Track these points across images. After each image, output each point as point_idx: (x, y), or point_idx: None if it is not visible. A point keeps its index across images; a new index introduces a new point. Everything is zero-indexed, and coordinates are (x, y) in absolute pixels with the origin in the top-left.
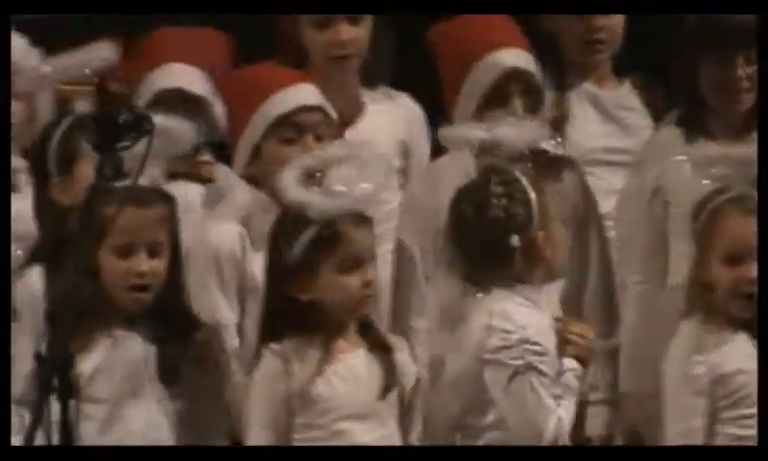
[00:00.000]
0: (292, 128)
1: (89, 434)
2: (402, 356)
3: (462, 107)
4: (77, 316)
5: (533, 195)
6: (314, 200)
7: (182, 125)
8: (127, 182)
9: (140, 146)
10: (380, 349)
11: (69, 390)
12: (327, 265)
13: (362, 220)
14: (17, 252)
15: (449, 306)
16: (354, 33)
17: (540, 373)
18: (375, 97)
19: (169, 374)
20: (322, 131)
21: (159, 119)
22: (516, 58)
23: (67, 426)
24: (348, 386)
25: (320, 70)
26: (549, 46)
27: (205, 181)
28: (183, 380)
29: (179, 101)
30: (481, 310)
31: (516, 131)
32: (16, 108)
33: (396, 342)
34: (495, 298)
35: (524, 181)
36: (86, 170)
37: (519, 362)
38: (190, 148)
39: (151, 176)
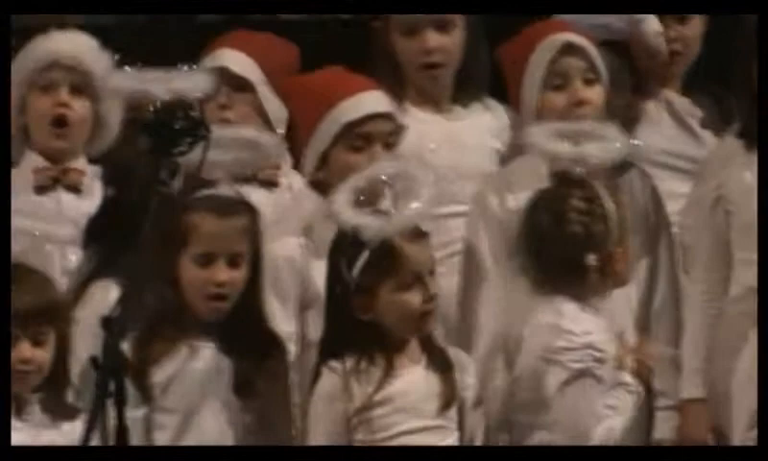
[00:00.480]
0: (360, 136)
1: (162, 444)
2: (463, 370)
3: (526, 92)
4: (154, 324)
5: (612, 211)
6: (366, 222)
7: (271, 138)
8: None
9: (196, 151)
10: (440, 363)
11: (124, 396)
12: (386, 285)
13: (417, 235)
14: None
15: (516, 309)
16: (442, 41)
17: (598, 380)
18: (469, 105)
19: (244, 385)
20: (391, 139)
21: (250, 132)
22: (562, 36)
23: (123, 432)
24: (407, 402)
25: (412, 79)
26: (624, 52)
27: (271, 185)
28: (256, 392)
29: (226, 84)
30: (550, 310)
31: (601, 149)
32: (79, 105)
33: (457, 356)
34: (564, 299)
35: (605, 196)
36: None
37: (579, 366)
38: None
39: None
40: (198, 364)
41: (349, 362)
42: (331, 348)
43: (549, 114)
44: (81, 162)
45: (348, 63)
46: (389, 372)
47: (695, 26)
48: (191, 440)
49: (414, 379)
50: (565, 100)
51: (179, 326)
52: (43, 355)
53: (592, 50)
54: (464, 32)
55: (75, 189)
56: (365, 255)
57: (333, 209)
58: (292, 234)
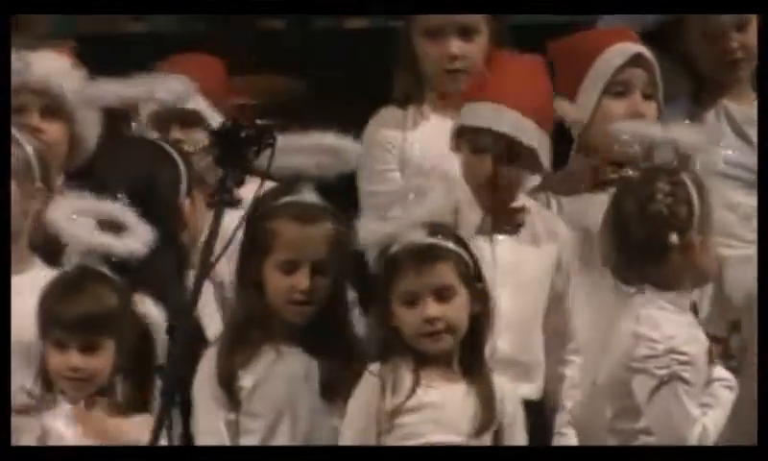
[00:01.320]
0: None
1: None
2: (504, 398)
3: (585, 93)
4: (240, 329)
5: (696, 198)
6: (389, 232)
7: (350, 143)
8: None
9: (262, 160)
10: (482, 386)
11: (189, 404)
12: (393, 295)
13: (427, 255)
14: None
15: (599, 305)
16: (466, 48)
17: (686, 382)
18: None
19: (330, 389)
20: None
21: (329, 138)
22: (635, 47)
23: (188, 439)
24: (440, 415)
25: (433, 82)
26: (686, 62)
27: None
28: (342, 396)
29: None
30: (629, 315)
31: (690, 133)
32: (53, 128)
33: (501, 383)
34: (644, 300)
35: (689, 182)
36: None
37: (665, 372)
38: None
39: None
40: (284, 368)
41: (386, 367)
42: (374, 350)
43: (605, 119)
44: (58, 182)
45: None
46: (419, 382)
47: (753, 32)
48: (279, 444)
49: (451, 395)
50: (625, 108)
51: (264, 331)
52: (96, 363)
53: (656, 66)
54: (487, 38)
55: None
56: (379, 262)
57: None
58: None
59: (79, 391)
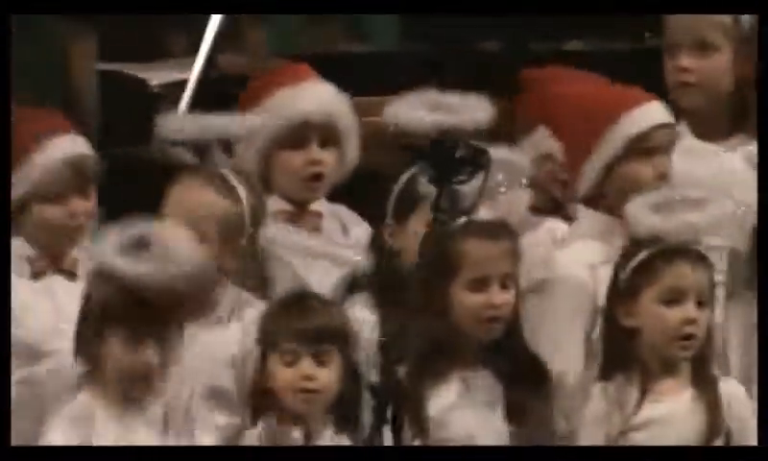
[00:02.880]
0: (645, 147)
1: None
2: (731, 396)
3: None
4: (426, 357)
5: None
6: (668, 227)
7: (520, 155)
8: (463, 217)
9: (477, 180)
10: (709, 393)
11: (401, 422)
12: (649, 291)
13: (693, 256)
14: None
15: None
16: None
17: None
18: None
19: (516, 412)
20: (671, 149)
21: (502, 152)
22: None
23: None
24: (666, 431)
25: None
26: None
27: None
28: (527, 419)
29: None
30: None
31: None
32: (330, 157)
33: (728, 386)
34: None
35: None
36: (420, 223)
37: None
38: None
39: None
40: (472, 394)
41: (614, 384)
42: (605, 365)
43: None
44: (319, 204)
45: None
46: (647, 395)
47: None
48: None
49: (678, 407)
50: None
51: (451, 356)
52: (328, 375)
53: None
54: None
55: (316, 230)
56: (640, 256)
57: (630, 212)
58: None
59: (308, 404)
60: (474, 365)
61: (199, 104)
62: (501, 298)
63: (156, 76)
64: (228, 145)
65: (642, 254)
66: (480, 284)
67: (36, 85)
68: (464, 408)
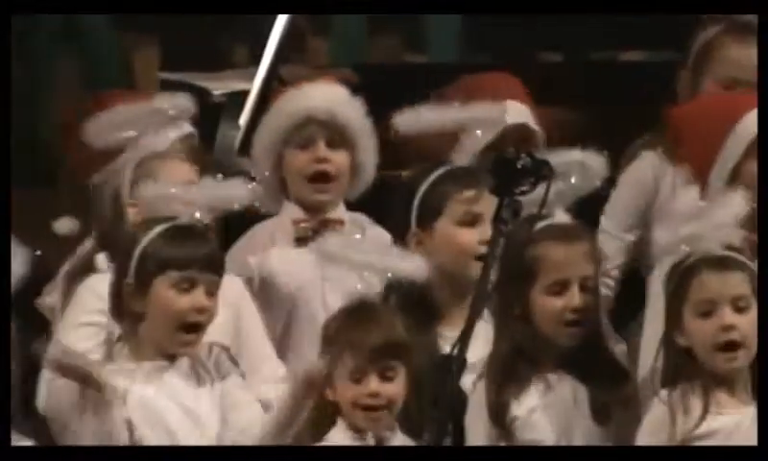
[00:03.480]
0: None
1: None
2: None
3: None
4: (508, 362)
5: None
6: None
7: (597, 159)
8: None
9: (539, 191)
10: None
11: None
12: (686, 307)
13: (719, 262)
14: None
15: None
16: None
17: None
18: None
19: (601, 412)
20: None
21: (577, 155)
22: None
23: None
24: (730, 443)
25: None
26: None
27: None
28: (613, 419)
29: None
30: None
31: None
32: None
33: None
34: None
35: None
36: (447, 226)
37: None
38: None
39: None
40: (555, 396)
41: (676, 392)
42: (666, 374)
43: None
44: (339, 211)
45: None
46: (708, 407)
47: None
48: None
49: (741, 420)
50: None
51: (533, 360)
52: (393, 390)
53: None
54: None
55: None
56: (674, 268)
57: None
58: None
59: (373, 422)
60: (556, 367)
61: (260, 114)
62: (581, 300)
63: (219, 86)
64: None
65: (673, 275)
66: (559, 288)
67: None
68: (547, 409)
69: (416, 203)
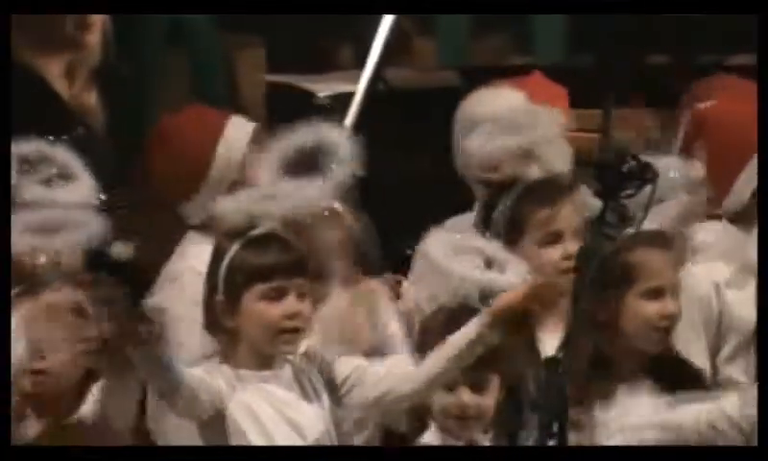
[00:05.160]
0: None
1: None
2: None
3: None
4: (592, 369)
5: None
6: None
7: (672, 161)
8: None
9: (643, 194)
10: None
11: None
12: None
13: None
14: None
15: None
16: None
17: None
18: None
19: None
20: None
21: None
22: None
23: None
24: None
25: None
26: None
27: None
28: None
29: None
30: None
31: None
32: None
33: None
34: None
35: None
36: (530, 247)
37: None
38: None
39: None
40: (638, 403)
41: None
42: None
43: None
44: None
45: None
46: None
47: None
48: None
49: None
50: None
51: (616, 368)
52: (485, 402)
53: None
54: None
55: None
56: None
57: None
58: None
59: (465, 430)
60: (639, 374)
61: (365, 116)
62: (673, 307)
63: (324, 88)
64: None
65: None
66: (656, 294)
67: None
68: (630, 416)
69: (500, 218)
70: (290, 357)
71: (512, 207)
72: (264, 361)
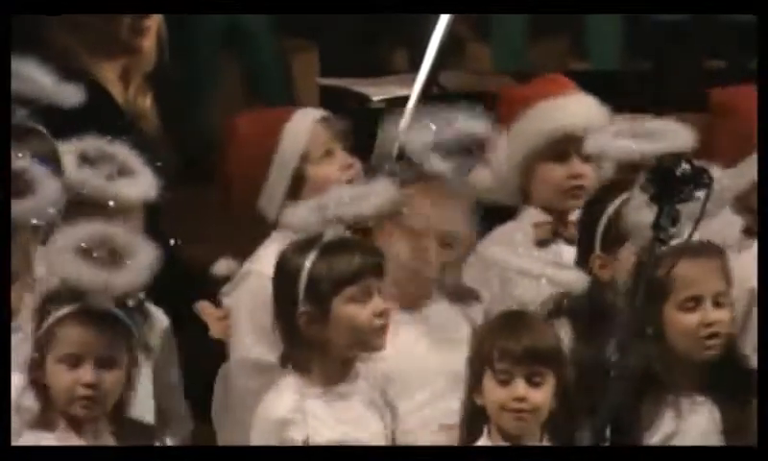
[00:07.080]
0: None
1: None
2: None
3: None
4: (641, 381)
5: None
6: None
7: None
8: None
9: (698, 199)
10: None
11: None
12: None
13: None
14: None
15: None
16: None
17: None
18: None
19: (735, 434)
20: None
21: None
22: None
23: None
24: None
25: None
26: None
27: None
28: (748, 440)
29: None
30: None
31: None
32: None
33: None
34: None
35: None
36: (629, 256)
37: None
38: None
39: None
40: (692, 419)
41: None
42: None
43: None
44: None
45: None
46: None
47: None
48: None
49: None
50: None
51: (665, 379)
52: (541, 397)
53: None
54: None
55: (573, 241)
56: None
57: None
58: None
59: (519, 423)
60: (690, 389)
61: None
62: (715, 316)
63: (378, 92)
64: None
65: None
66: (694, 304)
67: (259, 97)
68: (684, 435)
69: (600, 228)
70: (362, 373)
71: (619, 212)
72: (340, 374)
